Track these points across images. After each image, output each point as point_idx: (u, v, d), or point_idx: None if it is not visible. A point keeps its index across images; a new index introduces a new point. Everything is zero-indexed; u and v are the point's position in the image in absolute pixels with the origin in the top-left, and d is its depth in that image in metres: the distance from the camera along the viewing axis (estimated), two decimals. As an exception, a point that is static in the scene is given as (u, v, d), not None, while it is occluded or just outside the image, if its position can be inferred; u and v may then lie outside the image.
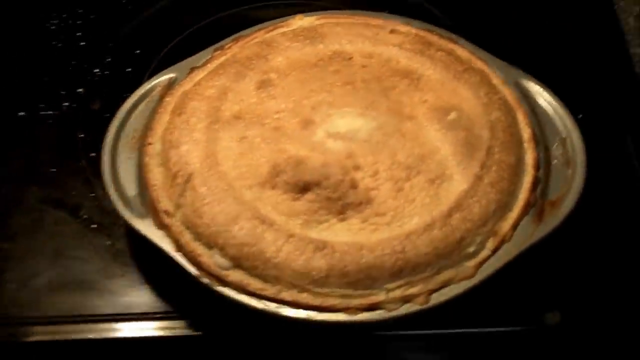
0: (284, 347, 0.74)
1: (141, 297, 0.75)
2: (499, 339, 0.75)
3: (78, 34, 0.98)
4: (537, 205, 0.73)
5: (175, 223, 0.71)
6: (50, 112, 0.90)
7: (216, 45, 0.85)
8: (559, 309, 0.74)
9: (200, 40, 0.88)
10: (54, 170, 0.85)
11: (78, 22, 1.00)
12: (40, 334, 0.74)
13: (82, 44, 0.97)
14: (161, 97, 0.81)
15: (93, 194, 0.83)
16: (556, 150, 0.78)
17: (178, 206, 0.72)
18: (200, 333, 0.73)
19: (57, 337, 0.74)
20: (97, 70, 0.94)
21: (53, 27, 0.99)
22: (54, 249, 0.79)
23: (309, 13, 0.88)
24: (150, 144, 0.77)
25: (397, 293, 0.67)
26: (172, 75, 0.83)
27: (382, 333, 0.73)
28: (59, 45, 0.97)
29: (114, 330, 0.74)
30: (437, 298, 0.68)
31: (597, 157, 0.78)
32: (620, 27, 0.99)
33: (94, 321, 0.74)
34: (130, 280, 0.76)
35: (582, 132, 0.78)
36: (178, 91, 0.81)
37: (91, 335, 0.73)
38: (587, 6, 1.01)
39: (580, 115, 0.84)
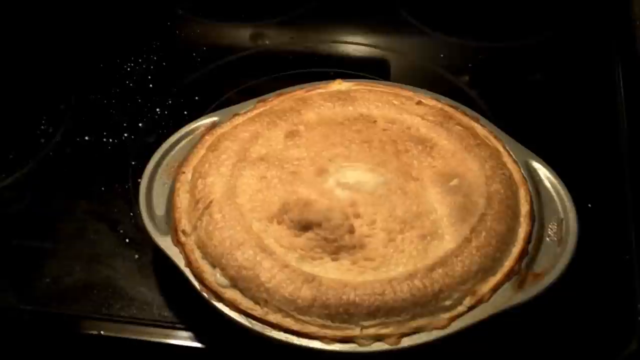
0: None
1: (154, 305, 0.83)
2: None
3: (148, 77, 1.11)
4: (520, 275, 0.78)
5: (188, 242, 0.80)
6: (111, 140, 1.01)
7: (260, 98, 0.95)
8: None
9: (253, 95, 0.97)
10: (103, 189, 0.95)
11: (151, 67, 1.12)
12: (60, 325, 0.83)
13: (150, 85, 1.09)
14: (202, 136, 0.91)
15: (132, 214, 0.92)
16: (551, 228, 0.83)
17: (195, 228, 0.80)
18: (198, 345, 0.81)
19: (74, 329, 0.83)
20: (158, 109, 1.06)
21: (129, 69, 1.12)
22: (89, 254, 0.88)
23: (348, 79, 0.97)
24: (183, 172, 0.86)
25: (371, 331, 0.73)
26: (215, 118, 0.93)
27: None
28: (131, 84, 1.10)
29: (124, 331, 0.82)
30: (407, 342, 0.73)
31: (598, 241, 0.84)
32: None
33: (108, 320, 0.83)
34: (148, 290, 0.85)
35: (587, 218, 0.83)
36: (217, 132, 0.90)
37: (103, 332, 0.82)
38: (620, 109, 1.06)
39: (590, 205, 0.90)
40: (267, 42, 1.18)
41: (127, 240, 0.90)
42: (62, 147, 1.01)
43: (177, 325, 0.82)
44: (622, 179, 0.97)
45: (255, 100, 0.95)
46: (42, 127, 1.03)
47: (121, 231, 0.91)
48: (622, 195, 0.95)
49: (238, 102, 0.96)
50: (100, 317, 0.83)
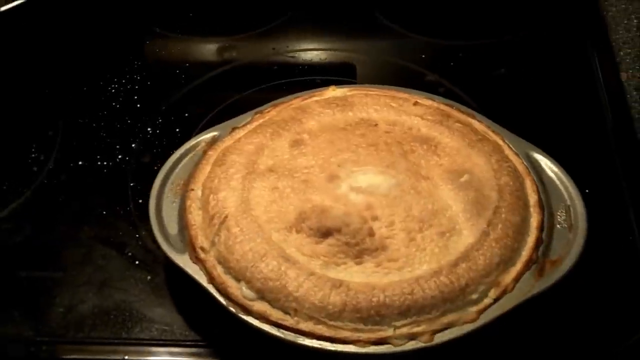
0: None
1: (174, 325, 0.83)
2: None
3: (135, 97, 1.10)
4: (538, 263, 0.80)
5: (209, 258, 0.79)
6: (105, 163, 1.00)
7: (257, 109, 0.95)
8: (554, 360, 0.80)
9: (243, 107, 0.96)
10: (105, 212, 0.94)
11: (135, 87, 1.11)
12: (82, 353, 0.81)
13: (137, 105, 1.08)
14: (204, 152, 0.90)
15: (137, 235, 0.91)
16: (560, 216, 0.85)
17: (213, 244, 0.80)
18: (224, 361, 0.81)
19: (97, 356, 0.81)
20: (149, 129, 1.05)
21: (113, 90, 1.10)
22: (100, 280, 0.87)
23: (341, 85, 0.97)
24: (192, 189, 0.85)
25: (404, 330, 0.74)
26: (215, 133, 0.92)
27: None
28: (117, 106, 1.08)
29: (149, 353, 0.81)
30: (440, 338, 0.74)
31: (600, 225, 0.85)
32: (630, 115, 1.06)
33: (130, 344, 0.81)
34: (166, 310, 0.84)
35: (586, 204, 0.85)
36: (220, 146, 0.90)
37: (127, 357, 0.80)
38: (601, 96, 1.10)
39: (587, 190, 0.92)
40: (249, 54, 1.18)
41: (136, 262, 0.89)
42: (56, 173, 0.99)
43: (201, 343, 0.82)
44: (614, 164, 1.00)
45: (252, 112, 0.95)
46: (33, 155, 1.01)
47: (129, 254, 0.90)
48: (616, 179, 0.98)
49: (229, 116, 0.95)
50: (122, 342, 0.82)
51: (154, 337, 0.82)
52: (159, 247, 0.81)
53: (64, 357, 0.82)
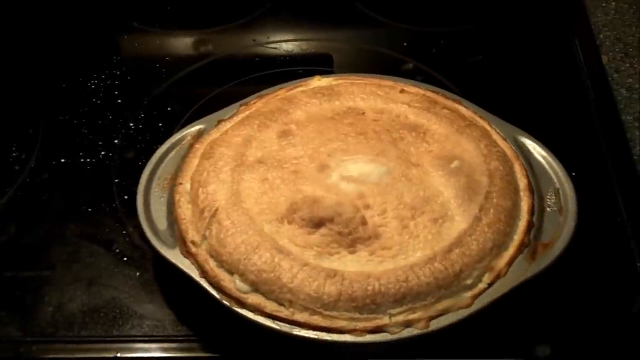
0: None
1: (166, 321, 0.82)
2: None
3: (115, 92, 1.08)
4: (530, 246, 0.80)
5: (200, 252, 0.78)
6: (89, 160, 0.99)
7: (242, 101, 0.94)
8: (549, 343, 0.80)
9: (226, 100, 0.95)
10: (90, 210, 0.93)
11: (115, 82, 1.09)
12: (73, 352, 0.80)
13: (118, 101, 1.07)
14: (191, 145, 0.89)
15: (125, 232, 0.90)
16: (550, 199, 0.85)
17: (204, 237, 0.79)
18: (217, 355, 0.80)
19: (88, 355, 0.80)
20: (132, 124, 1.03)
21: (93, 86, 1.08)
22: (88, 278, 0.86)
23: (326, 75, 0.97)
24: (180, 183, 0.84)
25: (400, 318, 0.74)
26: (201, 126, 0.91)
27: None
28: (98, 102, 1.06)
29: (141, 350, 0.80)
30: (436, 324, 0.74)
31: (588, 207, 0.85)
32: (613, 96, 1.07)
33: (122, 341, 0.81)
34: (156, 306, 0.83)
35: (574, 186, 0.85)
36: (207, 139, 0.89)
37: (119, 354, 0.79)
38: (584, 79, 1.10)
39: (574, 173, 0.92)
40: (229, 46, 1.17)
41: (124, 258, 0.88)
42: (39, 172, 0.97)
43: (193, 338, 0.81)
44: (599, 146, 1.01)
45: (237, 104, 0.94)
46: (14, 154, 0.99)
47: (117, 250, 0.89)
48: (602, 161, 0.98)
49: (213, 109, 0.94)
50: (113, 339, 0.81)
51: (145, 333, 0.81)
52: (148, 242, 0.80)
53: (55, 356, 0.80)
